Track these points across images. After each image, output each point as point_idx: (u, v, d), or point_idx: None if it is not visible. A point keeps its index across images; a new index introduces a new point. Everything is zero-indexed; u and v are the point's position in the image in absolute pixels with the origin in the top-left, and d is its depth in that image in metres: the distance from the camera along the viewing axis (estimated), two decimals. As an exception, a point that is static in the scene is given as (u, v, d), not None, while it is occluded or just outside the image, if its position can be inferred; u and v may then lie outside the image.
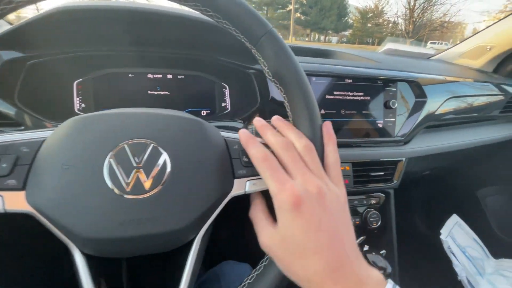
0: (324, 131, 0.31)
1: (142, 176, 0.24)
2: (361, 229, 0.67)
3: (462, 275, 0.63)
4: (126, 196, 0.24)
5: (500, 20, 0.93)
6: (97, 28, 0.49)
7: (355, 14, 35.64)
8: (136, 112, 0.27)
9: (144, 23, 0.49)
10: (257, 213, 0.29)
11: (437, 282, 0.85)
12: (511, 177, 1.01)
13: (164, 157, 0.25)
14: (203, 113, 0.64)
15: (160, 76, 0.58)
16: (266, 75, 0.31)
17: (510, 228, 1.01)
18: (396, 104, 0.63)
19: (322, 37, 37.11)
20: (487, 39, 0.96)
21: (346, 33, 38.17)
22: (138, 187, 0.24)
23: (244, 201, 0.31)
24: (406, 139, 0.65)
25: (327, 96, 0.59)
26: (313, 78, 0.58)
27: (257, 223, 0.29)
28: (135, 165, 0.24)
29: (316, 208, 0.25)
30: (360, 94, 0.61)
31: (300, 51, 0.82)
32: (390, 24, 31.84)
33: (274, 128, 0.31)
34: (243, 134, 0.29)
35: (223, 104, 0.64)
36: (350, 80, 0.61)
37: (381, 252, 0.66)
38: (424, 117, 0.66)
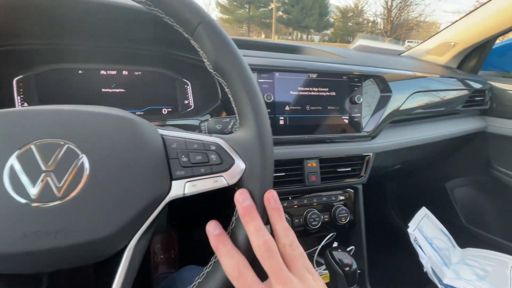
0: (271, 203, 0.28)
1: (53, 181, 0.21)
2: (330, 225, 0.66)
3: (427, 266, 0.64)
4: (32, 204, 0.21)
5: (463, 17, 0.96)
6: (38, 18, 0.44)
7: (336, 13, 36.29)
8: (49, 109, 0.24)
9: (90, 14, 0.45)
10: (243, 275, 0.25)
11: (404, 275, 0.87)
12: (476, 168, 1.05)
13: (82, 159, 0.23)
14: (165, 111, 0.61)
15: (114, 72, 0.55)
16: (208, 68, 0.29)
17: (476, 218, 1.05)
18: (362, 99, 0.63)
19: (304, 36, 37.53)
20: (451, 35, 0.99)
21: (328, 31, 38.79)
22: (47, 194, 0.21)
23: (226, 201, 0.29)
24: (373, 134, 0.65)
25: (291, 92, 0.58)
26: (277, 74, 0.56)
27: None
28: (44, 168, 0.21)
29: None
30: (325, 89, 0.61)
31: (269, 47, 0.80)
32: (370, 23, 32.72)
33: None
34: (211, 230, 0.27)
35: (186, 102, 0.61)
36: (315, 76, 0.60)
37: (350, 248, 0.66)
38: (390, 112, 0.67)
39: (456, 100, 0.87)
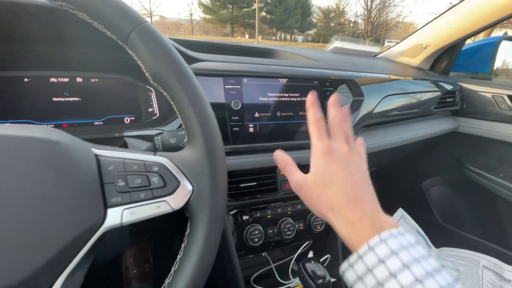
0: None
1: None
2: (306, 233, 0.65)
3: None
4: None
5: (433, 19, 0.98)
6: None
7: (318, 13, 36.89)
8: None
9: (29, 17, 0.40)
10: (288, 165, 0.39)
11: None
12: (449, 168, 1.07)
13: None
14: (127, 120, 0.56)
15: (66, 80, 0.50)
16: (149, 79, 0.26)
17: (450, 215, 1.08)
18: (334, 104, 0.62)
19: (288, 36, 37.87)
20: (423, 37, 1.00)
21: (311, 32, 39.37)
22: None
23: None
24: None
25: (261, 98, 0.56)
26: (244, 79, 0.54)
27: (290, 171, 0.38)
28: None
29: (343, 158, 0.34)
30: (297, 94, 0.59)
31: (237, 51, 0.78)
32: (351, 24, 33.50)
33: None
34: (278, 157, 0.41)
35: (150, 110, 0.57)
36: (285, 80, 0.58)
37: (325, 257, 0.64)
38: (362, 116, 0.66)
39: (429, 101, 0.88)
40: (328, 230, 0.67)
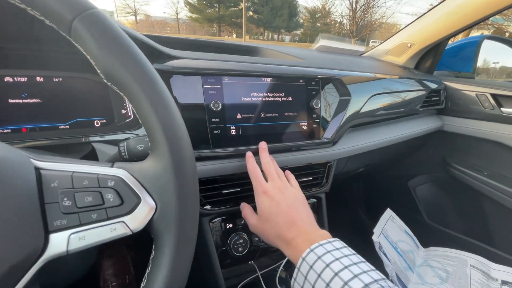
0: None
1: None
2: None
3: (392, 274, 0.62)
4: None
5: (417, 18, 0.97)
6: None
7: (305, 14, 37.19)
8: None
9: None
10: (247, 211, 0.47)
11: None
12: (435, 166, 1.08)
13: None
14: (97, 123, 0.52)
15: (24, 79, 0.45)
16: (101, 77, 0.22)
17: (436, 214, 1.08)
18: (320, 104, 0.59)
19: (275, 36, 37.97)
20: (408, 36, 1.00)
21: (298, 32, 39.65)
22: None
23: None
24: (333, 140, 0.62)
25: (243, 98, 0.52)
26: (225, 78, 0.50)
27: (247, 216, 0.47)
28: None
29: (278, 192, 0.43)
30: (281, 94, 0.56)
31: (218, 48, 0.74)
32: (337, 24, 33.97)
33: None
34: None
35: (123, 111, 0.53)
36: (269, 79, 0.54)
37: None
38: (349, 116, 0.64)
39: (415, 100, 0.87)
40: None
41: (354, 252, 0.34)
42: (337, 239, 0.36)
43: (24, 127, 0.46)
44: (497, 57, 1.22)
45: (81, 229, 0.20)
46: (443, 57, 1.03)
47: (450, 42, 1.05)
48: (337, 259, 0.30)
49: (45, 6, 0.19)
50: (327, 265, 0.30)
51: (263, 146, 0.51)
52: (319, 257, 0.31)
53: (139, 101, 0.22)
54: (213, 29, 35.80)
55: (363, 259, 0.32)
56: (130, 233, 0.21)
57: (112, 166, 0.23)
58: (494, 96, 0.86)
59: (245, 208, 0.49)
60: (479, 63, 1.07)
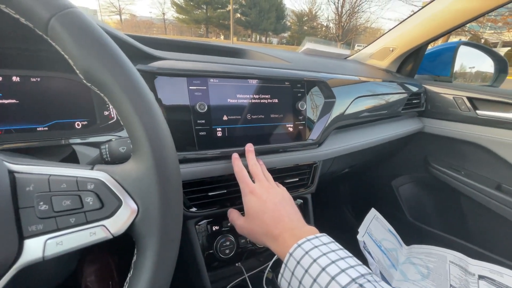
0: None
1: None
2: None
3: (376, 272, 0.63)
4: None
5: (399, 24, 1.01)
6: None
7: (292, 17, 37.66)
8: None
9: None
10: (234, 215, 0.48)
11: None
12: (417, 167, 1.12)
13: None
14: (78, 125, 0.50)
15: (-1, 79, 0.43)
16: (80, 77, 0.22)
17: (419, 213, 1.12)
18: (306, 106, 0.60)
19: (263, 38, 38.21)
20: (390, 41, 1.03)
21: (285, 34, 40.09)
22: None
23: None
24: (319, 141, 0.63)
25: (229, 100, 0.52)
26: (211, 80, 0.50)
27: (234, 219, 0.47)
28: None
29: (264, 192, 0.43)
30: (267, 96, 0.56)
31: (205, 50, 0.74)
32: (323, 28, 34.62)
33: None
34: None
35: (106, 113, 0.51)
36: (255, 81, 0.55)
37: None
38: (334, 118, 0.65)
39: (397, 103, 0.90)
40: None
41: (341, 247, 0.34)
42: (325, 234, 0.36)
43: (-1, 129, 0.44)
44: (473, 62, 1.28)
45: (58, 234, 0.19)
46: (423, 62, 1.07)
47: (430, 47, 1.10)
48: (324, 254, 0.30)
49: (20, 4, 0.18)
50: (314, 260, 0.30)
51: (249, 148, 0.51)
52: (306, 252, 0.31)
53: (120, 101, 0.21)
54: (201, 30, 35.57)
55: (350, 254, 0.32)
56: (111, 237, 0.21)
57: (92, 168, 0.22)
58: (470, 99, 0.91)
59: (232, 212, 0.49)
60: (457, 67, 1.12)
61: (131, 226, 0.21)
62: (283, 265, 0.33)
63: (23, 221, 0.19)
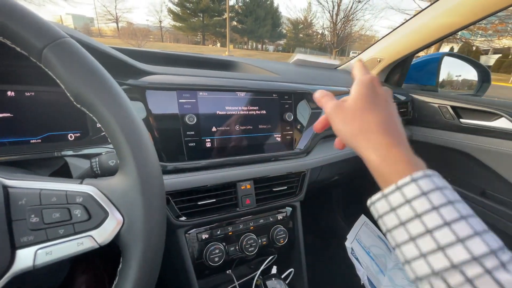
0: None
1: None
2: (269, 248, 0.64)
3: (364, 279, 0.65)
4: None
5: (386, 35, 1.05)
6: None
7: (288, 25, 38.25)
8: None
9: None
10: (325, 98, 0.39)
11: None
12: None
13: None
14: (71, 136, 0.51)
15: (-6, 94, 0.45)
16: (71, 100, 0.24)
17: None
18: (292, 117, 0.62)
19: (259, 46, 38.68)
20: (378, 51, 1.07)
21: (281, 42, 40.64)
22: None
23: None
24: (306, 151, 0.65)
25: (218, 112, 0.54)
26: (200, 93, 0.52)
27: (325, 101, 0.38)
28: None
29: (384, 92, 0.34)
30: (255, 108, 0.59)
31: (195, 62, 0.76)
32: (319, 36, 35.18)
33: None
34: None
35: (98, 125, 0.53)
36: (243, 94, 0.57)
37: (289, 271, 0.64)
38: (321, 128, 0.67)
39: (384, 112, 0.93)
40: (292, 242, 0.67)
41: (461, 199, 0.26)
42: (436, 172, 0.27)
43: (-8, 141, 0.45)
44: (458, 71, 1.33)
45: (47, 244, 0.21)
46: (410, 71, 1.11)
47: (415, 57, 1.14)
48: (451, 202, 0.23)
49: (16, 36, 0.20)
50: (451, 203, 0.23)
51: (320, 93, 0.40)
52: (440, 188, 0.24)
53: (108, 122, 0.23)
54: (197, 38, 35.91)
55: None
56: (97, 246, 0.22)
57: (81, 182, 0.24)
58: (453, 108, 0.94)
59: (321, 92, 0.40)
60: (444, 76, 1.16)
61: (117, 236, 0.23)
62: (392, 186, 0.26)
63: (15, 233, 0.20)
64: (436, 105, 0.99)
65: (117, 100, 0.23)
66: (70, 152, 0.48)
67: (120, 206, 0.23)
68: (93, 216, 0.22)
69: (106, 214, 0.23)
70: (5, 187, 0.21)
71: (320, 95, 0.40)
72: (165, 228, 0.25)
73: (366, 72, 0.37)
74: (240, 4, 33.45)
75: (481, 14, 0.76)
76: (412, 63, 1.11)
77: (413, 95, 1.06)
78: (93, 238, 0.22)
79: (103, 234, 0.22)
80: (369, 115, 0.32)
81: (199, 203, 0.53)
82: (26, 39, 0.21)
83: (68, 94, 0.23)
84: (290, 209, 0.68)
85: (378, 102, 0.33)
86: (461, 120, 0.93)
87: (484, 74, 1.15)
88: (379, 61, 1.07)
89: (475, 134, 0.90)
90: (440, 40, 0.93)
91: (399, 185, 0.25)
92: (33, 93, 0.47)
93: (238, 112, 0.56)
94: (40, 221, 0.21)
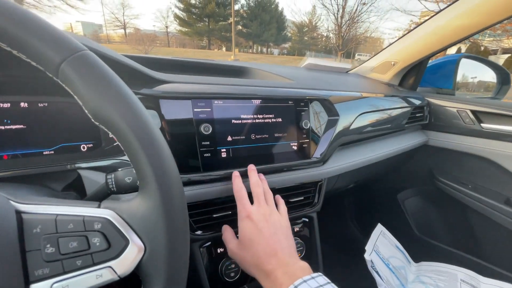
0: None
1: None
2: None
3: (386, 294, 0.61)
4: None
5: (400, 38, 1.02)
6: None
7: (292, 28, 38.35)
8: None
9: None
10: (227, 235, 0.46)
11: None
12: (422, 180, 1.10)
13: None
14: (84, 147, 0.50)
15: (7, 105, 0.43)
16: (90, 117, 0.22)
17: (426, 227, 1.10)
18: (309, 124, 0.60)
19: (264, 49, 38.83)
20: (391, 55, 1.04)
21: (286, 45, 40.73)
22: None
23: None
24: (323, 159, 0.63)
25: (233, 121, 0.52)
26: (215, 101, 0.50)
27: (227, 240, 0.45)
28: None
29: (262, 219, 0.42)
30: (271, 115, 0.56)
31: (209, 69, 0.75)
32: (324, 38, 35.13)
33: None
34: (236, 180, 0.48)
35: (111, 135, 0.52)
36: (258, 101, 0.55)
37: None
38: (338, 135, 0.65)
39: (400, 117, 0.90)
40: (309, 256, 0.64)
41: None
42: (320, 274, 0.35)
43: (5, 154, 0.44)
44: (474, 73, 1.29)
45: (64, 277, 0.19)
46: (426, 74, 1.08)
47: (431, 60, 1.10)
48: None
49: (31, 50, 0.19)
50: None
51: (251, 167, 0.51)
52: None
53: (128, 141, 0.21)
54: (203, 42, 36.29)
55: None
56: (117, 278, 0.20)
57: (99, 206, 0.22)
58: (474, 112, 0.90)
59: (226, 230, 0.47)
60: (459, 77, 1.13)
61: (138, 266, 0.21)
62: None
63: (30, 265, 0.19)
64: (455, 109, 0.95)
65: (139, 118, 0.22)
66: (84, 165, 0.47)
67: (141, 232, 0.21)
68: (113, 244, 0.20)
69: (126, 242, 0.21)
70: (19, 213, 0.20)
71: (224, 229, 0.49)
72: (188, 256, 0.23)
73: (243, 202, 0.44)
74: (245, 8, 33.74)
75: (505, 14, 0.72)
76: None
77: (429, 99, 1.02)
78: (113, 269, 0.20)
79: (124, 264, 0.20)
80: (252, 250, 0.39)
81: (215, 215, 0.51)
82: (42, 53, 0.19)
83: (86, 111, 0.21)
84: (307, 220, 0.66)
85: (257, 234, 0.40)
86: (482, 124, 0.89)
87: (504, 76, 1.11)
88: (393, 64, 1.04)
89: (498, 139, 0.86)
90: (457, 43, 0.90)
91: None
92: (46, 104, 0.46)
93: (254, 121, 0.54)
94: (56, 251, 0.19)
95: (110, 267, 0.20)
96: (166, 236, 0.21)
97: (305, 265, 0.37)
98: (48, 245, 0.19)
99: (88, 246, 0.20)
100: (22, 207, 0.20)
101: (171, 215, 0.22)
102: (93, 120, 0.22)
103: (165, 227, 0.21)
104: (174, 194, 0.22)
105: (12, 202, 0.20)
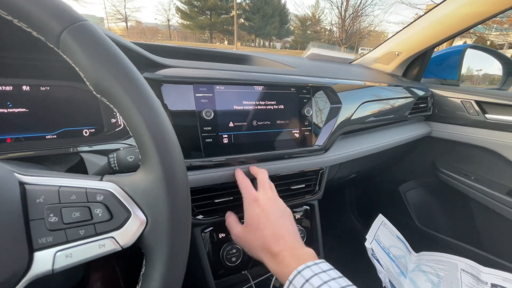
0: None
1: None
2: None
3: (385, 281, 0.62)
4: None
5: (404, 28, 1.01)
6: None
7: (295, 21, 37.89)
8: None
9: None
10: (231, 220, 0.47)
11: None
12: (424, 171, 1.10)
13: None
14: (86, 132, 0.50)
15: (9, 88, 0.44)
16: (91, 89, 0.22)
17: (427, 218, 1.10)
18: (311, 112, 0.60)
19: (266, 43, 38.47)
20: (395, 45, 1.03)
21: (289, 39, 40.31)
22: None
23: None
24: (325, 147, 0.62)
25: (235, 107, 0.52)
26: (217, 87, 0.50)
27: (232, 225, 0.46)
28: None
29: (267, 203, 0.43)
30: (273, 102, 0.56)
31: (212, 57, 0.74)
32: (327, 32, 34.70)
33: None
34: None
35: (113, 120, 0.52)
36: (260, 88, 0.55)
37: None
38: (340, 123, 0.64)
39: (403, 107, 0.89)
40: (310, 243, 0.64)
41: (340, 274, 0.34)
42: (324, 260, 0.35)
43: (8, 137, 0.44)
44: (480, 65, 1.27)
45: (68, 246, 0.19)
46: (430, 65, 1.06)
47: (435, 50, 1.09)
48: (325, 282, 0.30)
49: (33, 18, 0.19)
50: None
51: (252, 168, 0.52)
52: (307, 280, 0.31)
53: (130, 113, 0.21)
54: (205, 36, 36.00)
55: (350, 282, 0.32)
56: (120, 249, 0.21)
57: (101, 179, 0.22)
58: (478, 102, 0.89)
59: (230, 216, 0.48)
60: (463, 70, 1.11)
61: (140, 238, 0.21)
62: (286, 283, 0.33)
63: (33, 233, 0.19)
64: (459, 100, 0.94)
65: (141, 89, 0.22)
66: (86, 148, 0.47)
67: (143, 205, 0.21)
68: (115, 215, 0.21)
69: (128, 214, 0.21)
70: (22, 184, 0.20)
71: (227, 216, 0.49)
72: (190, 228, 0.23)
73: (248, 188, 0.45)
74: (247, 1, 33.32)
75: (511, 3, 0.71)
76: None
77: (433, 90, 1.01)
78: (115, 240, 0.20)
79: (126, 236, 0.21)
80: (260, 233, 0.40)
81: (216, 200, 0.52)
82: (43, 21, 0.19)
83: (88, 83, 0.21)
84: (308, 207, 0.66)
85: (264, 217, 0.41)
86: (486, 115, 0.88)
87: (510, 66, 1.09)
88: (397, 54, 1.03)
89: (502, 130, 0.85)
90: (463, 32, 0.88)
91: (290, 279, 0.33)
92: (48, 88, 0.46)
93: (256, 107, 0.54)
94: (59, 220, 0.19)
95: (112, 237, 0.20)
96: (168, 209, 0.21)
97: (310, 251, 0.38)
98: (52, 215, 0.19)
99: (90, 217, 0.20)
100: (26, 178, 0.20)
101: (173, 188, 0.22)
102: (94, 92, 0.22)
103: (167, 200, 0.21)
104: (176, 167, 0.22)
105: (16, 174, 0.20)
